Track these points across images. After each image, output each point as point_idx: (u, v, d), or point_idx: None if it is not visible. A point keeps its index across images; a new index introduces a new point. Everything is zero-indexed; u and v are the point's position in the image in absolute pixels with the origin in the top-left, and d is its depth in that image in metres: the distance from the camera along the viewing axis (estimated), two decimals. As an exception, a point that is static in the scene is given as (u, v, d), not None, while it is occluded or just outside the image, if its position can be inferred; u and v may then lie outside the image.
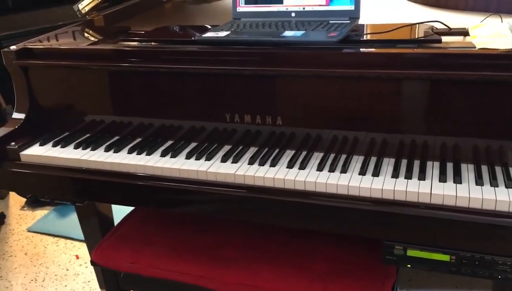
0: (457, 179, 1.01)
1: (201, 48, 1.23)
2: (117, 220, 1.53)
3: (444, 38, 1.15)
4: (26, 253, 2.17)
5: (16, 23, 2.63)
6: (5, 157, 1.32)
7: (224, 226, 1.35)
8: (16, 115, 1.38)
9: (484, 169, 1.05)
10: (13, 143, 1.32)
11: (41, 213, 2.48)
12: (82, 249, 2.16)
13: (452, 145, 1.08)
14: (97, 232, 1.62)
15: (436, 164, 1.08)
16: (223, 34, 1.25)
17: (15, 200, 2.62)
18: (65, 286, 1.94)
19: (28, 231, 2.34)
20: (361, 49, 1.13)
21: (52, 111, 1.40)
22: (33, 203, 2.56)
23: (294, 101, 1.17)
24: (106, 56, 1.30)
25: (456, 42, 1.15)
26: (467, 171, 1.05)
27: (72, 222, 2.29)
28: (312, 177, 1.08)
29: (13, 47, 1.36)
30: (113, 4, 1.81)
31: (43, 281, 1.97)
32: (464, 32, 1.20)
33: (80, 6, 1.64)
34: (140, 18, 1.78)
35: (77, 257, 2.11)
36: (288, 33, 1.21)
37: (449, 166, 1.07)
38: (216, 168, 1.15)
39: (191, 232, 1.32)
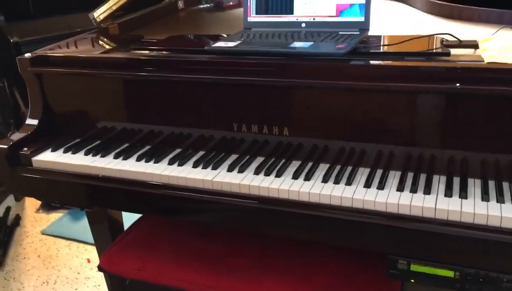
0: (463, 194, 1.00)
1: (211, 57, 1.24)
2: (127, 224, 1.55)
3: (454, 51, 1.15)
4: (39, 256, 2.21)
5: (36, 29, 2.68)
6: (17, 162, 1.34)
7: (231, 235, 1.35)
8: (29, 121, 1.41)
9: (491, 184, 1.04)
10: (25, 149, 1.35)
11: (55, 216, 2.52)
12: (94, 253, 2.19)
13: (459, 159, 1.07)
14: (107, 237, 1.64)
15: (443, 178, 1.07)
16: (232, 44, 1.26)
17: (31, 202, 2.67)
18: (76, 289, 1.96)
19: (42, 233, 2.38)
20: (367, 62, 1.12)
21: (65, 117, 1.43)
22: (48, 205, 2.60)
23: (301, 112, 1.17)
24: (117, 64, 1.32)
25: (465, 55, 1.14)
26: (474, 186, 1.04)
27: (85, 225, 2.30)
28: (317, 189, 1.08)
29: (27, 55, 1.39)
30: (128, 13, 1.84)
31: (54, 284, 2.01)
32: (475, 45, 1.18)
33: (96, 14, 1.67)
34: (155, 26, 1.80)
35: (89, 261, 2.14)
36: (296, 44, 1.22)
37: (456, 181, 1.06)
38: (222, 177, 1.16)
39: (199, 240, 1.33)
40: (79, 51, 1.45)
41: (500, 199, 0.98)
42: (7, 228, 2.38)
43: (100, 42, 1.59)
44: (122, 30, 1.73)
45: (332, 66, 1.12)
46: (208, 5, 2.13)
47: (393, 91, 1.07)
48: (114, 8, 1.66)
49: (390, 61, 1.10)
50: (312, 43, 1.22)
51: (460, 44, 1.20)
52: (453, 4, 1.55)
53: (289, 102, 1.18)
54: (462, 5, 1.53)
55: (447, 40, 1.22)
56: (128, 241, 1.35)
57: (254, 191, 1.12)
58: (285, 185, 1.10)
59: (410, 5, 1.74)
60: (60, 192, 1.34)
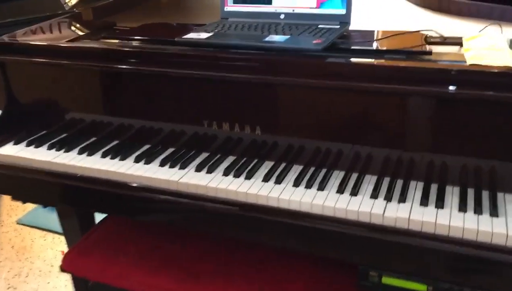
0: (439, 204, 0.95)
1: (180, 50, 1.17)
2: (99, 219, 1.49)
3: (437, 49, 1.08)
4: (13, 246, 2.15)
5: (9, 10, 2.57)
6: (-22, 155, 1.28)
7: (200, 239, 1.29)
8: (-8, 112, 1.34)
9: (470, 193, 0.98)
10: (-15, 141, 1.28)
11: (32, 205, 2.46)
12: (69, 245, 2.13)
13: (438, 165, 1.01)
14: (77, 232, 1.58)
15: (420, 185, 1.02)
16: (205, 36, 1.19)
17: (8, 190, 2.60)
18: (48, 283, 1.91)
19: (17, 223, 2.32)
20: (343, 59, 1.05)
21: (30, 108, 1.36)
22: (25, 194, 2.53)
23: (274, 110, 1.11)
24: (83, 54, 1.25)
25: (448, 55, 1.07)
26: (452, 194, 0.98)
27: (61, 216, 2.26)
28: (287, 194, 1.01)
29: (-10, 41, 1.32)
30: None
31: (26, 276, 1.95)
32: (460, 43, 1.12)
33: (67, -2, 1.59)
34: (133, 12, 1.72)
35: (63, 253, 2.07)
36: (271, 38, 1.14)
37: (434, 188, 1.00)
38: (189, 178, 1.09)
39: (166, 243, 1.27)
40: (45, 39, 1.37)
41: (478, 209, 0.92)
42: (-19, 216, 2.32)
43: (70, 29, 1.51)
44: (97, 15, 1.65)
45: (306, 62, 1.05)
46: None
47: (370, 91, 1.00)
48: (86, -8, 1.58)
49: (367, 60, 1.03)
50: (288, 37, 1.15)
51: (445, 41, 1.13)
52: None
53: (261, 99, 1.11)
54: (450, -2, 1.46)
55: (432, 37, 1.15)
56: (92, 241, 1.29)
57: (221, 194, 1.06)
58: (253, 189, 1.04)
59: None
60: (21, 188, 1.27)
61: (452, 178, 1.01)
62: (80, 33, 1.42)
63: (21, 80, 1.33)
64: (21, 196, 1.32)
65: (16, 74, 1.33)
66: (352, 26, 1.20)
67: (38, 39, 1.38)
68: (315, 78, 1.03)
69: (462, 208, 0.93)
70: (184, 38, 1.19)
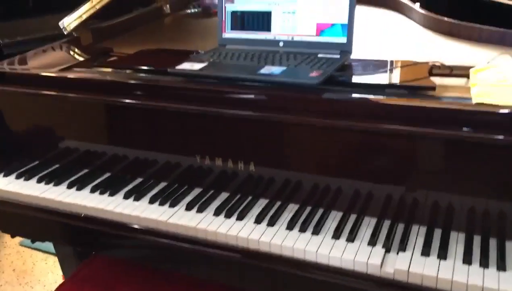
0: (442, 253, 0.88)
1: (171, 82, 1.12)
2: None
3: (442, 82, 1.02)
4: (14, 269, 2.12)
5: (19, 29, 2.56)
6: (-33, 186, 1.24)
7: (195, 281, 1.22)
8: (-18, 141, 1.31)
9: (476, 240, 0.91)
10: (-25, 172, 1.25)
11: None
12: (70, 269, 2.09)
13: (443, 208, 0.94)
14: (71, 261, 1.54)
15: (422, 230, 0.95)
16: (198, 66, 1.14)
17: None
18: (46, 310, 1.87)
19: (20, 245, 2.29)
20: (338, 96, 0.99)
21: (20, 138, 1.32)
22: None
23: (268, 145, 1.05)
24: (71, 85, 1.21)
25: (454, 89, 1.00)
26: (456, 242, 0.91)
27: (64, 238, 2.23)
28: (279, 238, 0.95)
29: (-20, 69, 1.29)
30: (104, 20, 1.72)
31: (25, 302, 1.92)
32: (467, 75, 1.05)
33: (66, 22, 1.55)
34: (134, 34, 1.68)
35: (64, 277, 2.04)
36: (267, 70, 1.09)
37: (437, 234, 0.94)
38: (178, 218, 1.04)
39: (157, 283, 1.21)
40: (38, 66, 1.33)
41: (484, 262, 0.85)
42: (-16, 237, 2.30)
43: (65, 55, 1.47)
44: (97, 38, 1.61)
45: (300, 98, 0.99)
46: (196, 10, 2.00)
47: (366, 130, 0.94)
48: (84, 17, 1.55)
49: (362, 97, 0.96)
50: (285, 68, 1.09)
51: (451, 73, 1.06)
52: (452, 21, 1.40)
53: (255, 134, 1.05)
54: (461, 22, 1.39)
55: (438, 67, 1.08)
56: (80, 279, 1.24)
57: (211, 236, 1.00)
58: (244, 232, 0.98)
59: (408, 17, 1.60)
60: (9, 221, 1.24)
61: (457, 223, 0.94)
62: (75, 60, 1.38)
63: (11, 108, 1.30)
64: (9, 229, 1.28)
65: (6, 102, 1.30)
66: (361, 52, 1.15)
67: (30, 67, 1.35)
68: (309, 115, 0.97)
69: (467, 259, 0.86)
70: (176, 69, 1.14)
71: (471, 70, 1.04)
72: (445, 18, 1.38)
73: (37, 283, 2.03)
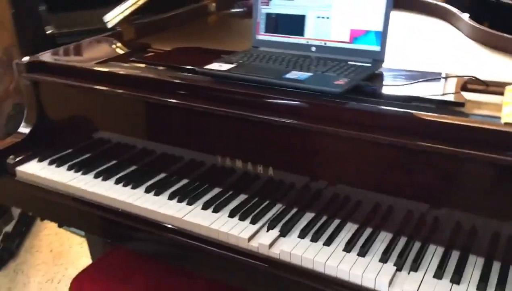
0: (456, 277, 0.84)
1: (197, 81, 1.13)
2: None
3: (475, 97, 0.97)
4: (51, 250, 2.22)
5: (75, 21, 2.66)
6: (4, 170, 1.31)
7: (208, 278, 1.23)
8: (22, 129, 1.37)
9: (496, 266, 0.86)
10: (12, 156, 1.31)
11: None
12: (103, 255, 2.16)
13: (465, 230, 0.90)
14: (100, 247, 1.59)
15: (440, 250, 0.91)
16: (225, 67, 1.15)
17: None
18: (76, 292, 1.94)
19: (59, 226, 2.39)
20: (356, 106, 0.96)
21: (58, 126, 1.38)
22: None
23: (288, 150, 1.04)
24: (106, 78, 1.24)
25: (484, 106, 0.95)
26: (474, 266, 0.87)
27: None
28: (288, 246, 0.94)
29: (25, 59, 1.35)
30: (147, 15, 1.76)
31: (58, 283, 2.00)
32: (502, 92, 1.00)
33: (108, 18, 1.60)
34: (175, 31, 1.71)
35: (96, 262, 2.11)
36: (292, 74, 1.08)
37: (454, 256, 0.90)
38: (193, 216, 1.05)
39: (176, 275, 1.23)
40: (77, 59, 1.39)
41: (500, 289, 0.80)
42: (28, 217, 2.41)
43: (105, 49, 1.52)
44: (139, 34, 1.65)
45: (320, 106, 0.97)
46: (241, 10, 2.01)
47: (386, 143, 0.91)
48: (127, 13, 1.59)
49: (387, 108, 0.93)
50: (311, 74, 1.08)
51: (486, 89, 1.01)
52: (500, 34, 1.33)
53: (274, 139, 1.05)
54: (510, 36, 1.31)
55: (472, 82, 1.04)
56: (100, 267, 1.28)
57: (223, 237, 1.01)
58: (257, 237, 0.98)
59: (456, 27, 1.54)
60: (39, 207, 1.29)
61: (477, 246, 0.89)
62: (113, 54, 1.42)
63: (51, 99, 1.35)
64: (40, 213, 1.34)
65: (47, 92, 1.35)
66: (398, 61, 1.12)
67: (70, 60, 1.40)
68: (331, 124, 0.95)
69: (482, 286, 0.82)
70: (204, 68, 1.15)
71: (506, 88, 0.99)
72: (494, 31, 1.31)
73: (71, 265, 2.11)
